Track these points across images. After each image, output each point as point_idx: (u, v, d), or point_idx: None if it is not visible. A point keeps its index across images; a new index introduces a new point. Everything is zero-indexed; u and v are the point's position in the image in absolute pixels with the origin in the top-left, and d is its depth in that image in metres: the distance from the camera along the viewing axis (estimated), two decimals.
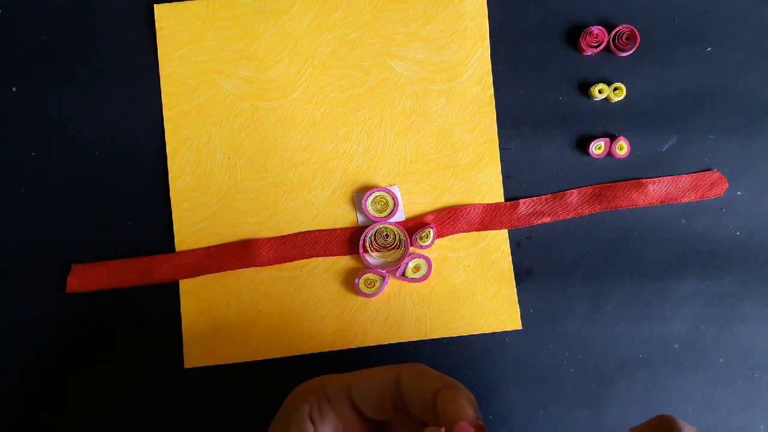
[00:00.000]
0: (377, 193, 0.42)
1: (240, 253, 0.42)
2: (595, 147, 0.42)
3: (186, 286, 0.42)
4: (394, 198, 0.42)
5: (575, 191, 0.42)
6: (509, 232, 0.42)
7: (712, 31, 0.43)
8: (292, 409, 0.28)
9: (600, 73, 0.43)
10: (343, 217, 0.43)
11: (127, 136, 0.43)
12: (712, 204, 0.42)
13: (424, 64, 0.43)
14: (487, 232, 0.42)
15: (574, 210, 0.42)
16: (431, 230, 0.41)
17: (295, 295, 0.42)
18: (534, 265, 0.42)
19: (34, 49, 0.44)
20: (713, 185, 0.42)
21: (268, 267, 0.42)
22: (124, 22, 0.44)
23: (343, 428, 0.28)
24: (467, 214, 0.42)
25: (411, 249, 0.42)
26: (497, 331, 0.42)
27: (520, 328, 0.42)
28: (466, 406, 0.26)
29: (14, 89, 0.44)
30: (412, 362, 0.30)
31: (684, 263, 0.42)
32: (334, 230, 0.43)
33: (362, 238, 0.42)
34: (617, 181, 0.42)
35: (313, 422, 0.28)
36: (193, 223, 0.43)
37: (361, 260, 0.42)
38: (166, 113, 0.43)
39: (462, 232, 0.42)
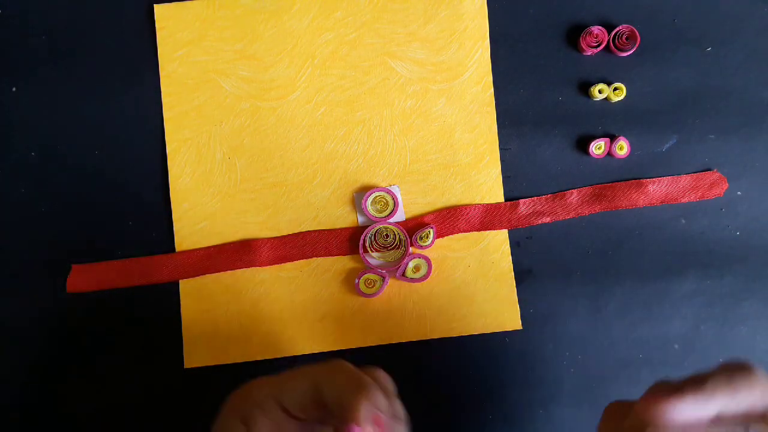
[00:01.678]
0: (377, 193, 0.42)
1: (240, 253, 0.42)
2: (595, 147, 0.42)
3: (186, 286, 0.42)
4: (394, 198, 0.42)
5: (575, 191, 0.42)
6: (509, 232, 0.42)
7: (712, 31, 0.43)
8: (225, 419, 0.30)
9: (600, 73, 0.43)
10: (343, 217, 0.43)
11: (127, 136, 0.43)
12: (712, 204, 0.42)
13: (424, 64, 0.43)
14: (487, 232, 0.42)
15: (574, 210, 0.42)
16: (431, 230, 0.41)
17: (295, 295, 0.42)
18: (534, 265, 0.42)
19: (34, 49, 0.44)
20: (713, 185, 0.42)
21: (268, 267, 0.42)
22: (124, 22, 0.44)
23: (278, 430, 0.29)
24: (467, 214, 0.42)
25: (411, 249, 0.42)
26: (497, 331, 0.42)
27: (520, 328, 0.42)
28: (360, 408, 0.27)
29: (14, 89, 0.44)
30: (333, 360, 0.30)
31: (684, 263, 0.42)
32: (334, 230, 0.43)
33: (362, 238, 0.42)
34: (617, 181, 0.42)
35: (248, 428, 0.29)
36: (193, 223, 0.43)
37: (361, 260, 0.42)
38: (166, 113, 0.43)
39: (462, 232, 0.42)
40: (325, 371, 0.29)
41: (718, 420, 0.25)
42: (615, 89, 0.43)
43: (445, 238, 0.42)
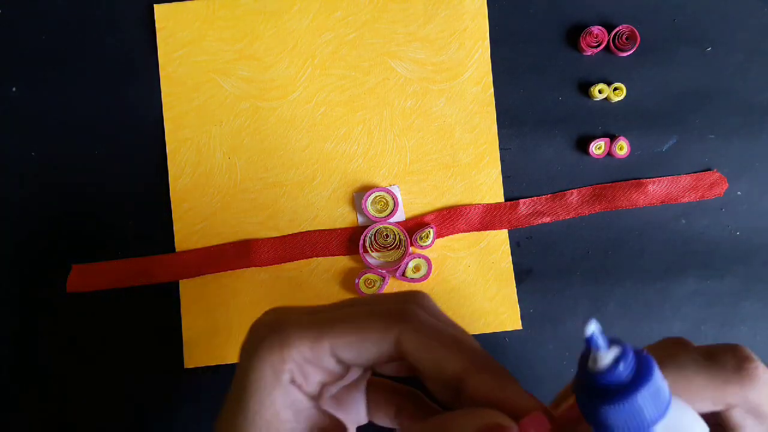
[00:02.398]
0: (377, 193, 0.42)
1: (240, 253, 0.42)
2: (595, 147, 0.42)
3: (186, 286, 0.42)
4: (394, 198, 0.42)
5: (575, 191, 0.42)
6: (509, 232, 0.42)
7: (712, 31, 0.43)
8: (268, 381, 0.23)
9: (600, 73, 0.43)
10: (343, 217, 0.43)
11: (127, 137, 0.43)
12: (712, 204, 0.42)
13: (424, 64, 0.43)
14: (487, 232, 0.42)
15: (574, 210, 0.42)
16: (431, 230, 0.41)
17: (295, 295, 0.42)
18: (534, 265, 0.42)
19: (34, 49, 0.44)
20: (713, 185, 0.42)
21: (268, 267, 0.42)
22: (124, 22, 0.44)
23: (329, 379, 0.24)
24: (467, 214, 0.42)
25: (411, 249, 0.42)
26: (497, 331, 0.42)
27: (520, 328, 0.42)
28: (523, 393, 0.21)
29: (14, 89, 0.44)
30: (408, 298, 0.24)
31: (684, 263, 0.42)
32: (334, 230, 0.43)
33: (362, 238, 0.42)
34: (617, 181, 0.42)
35: (297, 387, 0.23)
36: (193, 223, 0.43)
37: (361, 260, 0.42)
38: (166, 113, 0.43)
39: (462, 232, 0.42)
40: (411, 331, 0.23)
41: None
42: (615, 89, 0.43)
43: (445, 238, 0.42)
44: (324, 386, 0.25)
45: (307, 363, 0.23)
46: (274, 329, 0.23)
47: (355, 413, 0.28)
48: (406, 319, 0.23)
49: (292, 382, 0.23)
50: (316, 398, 0.24)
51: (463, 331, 0.25)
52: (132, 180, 0.43)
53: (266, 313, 0.25)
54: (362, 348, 0.23)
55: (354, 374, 0.26)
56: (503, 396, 0.22)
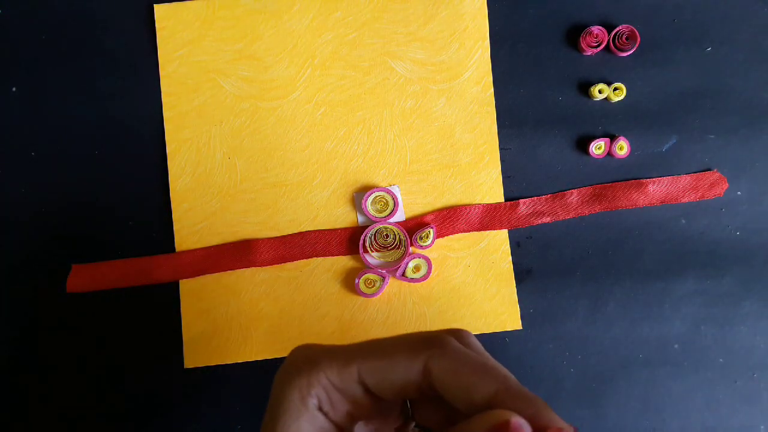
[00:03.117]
0: (377, 193, 0.42)
1: (240, 253, 0.42)
2: (595, 147, 0.42)
3: (186, 286, 0.42)
4: (394, 198, 0.42)
5: (575, 191, 0.42)
6: (509, 232, 0.42)
7: (712, 31, 0.43)
8: (295, 405, 0.23)
9: (600, 73, 0.43)
10: (343, 217, 0.43)
11: (127, 136, 0.43)
12: (712, 204, 0.42)
13: (424, 64, 0.43)
14: (487, 232, 0.42)
15: (574, 210, 0.42)
16: (431, 230, 0.41)
17: (295, 295, 0.42)
18: (534, 265, 0.42)
19: (34, 49, 0.44)
20: (713, 185, 0.42)
21: (268, 267, 0.42)
22: (124, 22, 0.44)
23: (357, 410, 0.24)
24: (467, 214, 0.42)
25: (411, 249, 0.42)
26: (497, 331, 0.42)
27: (520, 328, 0.42)
28: (556, 418, 0.21)
29: (14, 89, 0.44)
30: (437, 333, 0.24)
31: (684, 263, 0.42)
32: (334, 230, 0.43)
33: (362, 238, 0.42)
34: (617, 181, 0.42)
35: (324, 414, 0.24)
36: (193, 223, 0.43)
37: (361, 260, 0.42)
38: (166, 113, 0.43)
39: (462, 232, 0.42)
40: (441, 360, 0.22)
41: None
42: (615, 89, 0.43)
43: (445, 238, 0.42)
44: (353, 418, 0.24)
45: (334, 390, 0.23)
46: (305, 356, 0.24)
47: None
48: (436, 344, 0.23)
49: (320, 409, 0.23)
50: (342, 429, 0.24)
51: (495, 361, 0.24)
52: (132, 180, 0.43)
53: (299, 347, 0.25)
54: (389, 372, 0.23)
55: (389, 412, 0.26)
56: (535, 422, 0.21)
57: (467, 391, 0.22)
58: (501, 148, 0.43)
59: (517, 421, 0.20)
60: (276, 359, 0.42)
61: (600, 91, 0.42)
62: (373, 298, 0.42)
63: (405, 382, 0.23)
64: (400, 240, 0.42)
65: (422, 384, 0.23)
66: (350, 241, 0.42)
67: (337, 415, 0.24)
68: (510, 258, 0.42)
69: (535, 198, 0.42)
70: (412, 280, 0.42)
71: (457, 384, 0.22)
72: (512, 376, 0.23)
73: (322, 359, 0.23)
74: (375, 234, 0.42)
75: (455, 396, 0.22)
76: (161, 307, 0.42)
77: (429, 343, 0.23)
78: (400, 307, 0.42)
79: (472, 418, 0.21)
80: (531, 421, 0.21)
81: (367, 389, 0.23)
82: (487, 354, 0.25)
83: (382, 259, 0.42)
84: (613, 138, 0.42)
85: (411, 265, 0.42)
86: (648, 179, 0.42)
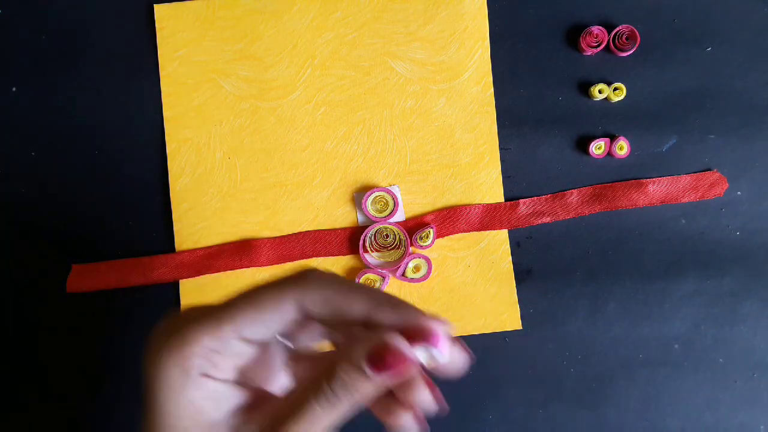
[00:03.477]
0: (377, 193, 0.42)
1: (240, 253, 0.42)
2: (595, 147, 0.42)
3: (186, 286, 0.42)
4: (394, 198, 0.42)
5: (575, 191, 0.42)
6: (509, 232, 0.42)
7: (712, 31, 0.43)
8: (176, 381, 0.23)
9: (600, 73, 0.43)
10: (343, 217, 0.43)
11: (127, 137, 0.43)
12: (712, 204, 0.42)
13: (424, 64, 0.43)
14: (487, 232, 0.42)
15: (574, 210, 0.42)
16: (431, 230, 0.41)
17: None
18: (534, 265, 0.42)
19: (34, 49, 0.44)
20: (713, 185, 0.42)
21: (268, 267, 0.42)
22: (124, 22, 0.44)
23: (242, 361, 0.24)
24: (467, 214, 0.42)
25: (411, 249, 0.42)
26: (497, 331, 0.42)
27: (520, 328, 0.42)
28: (422, 315, 0.23)
29: (14, 89, 0.44)
30: (298, 271, 0.25)
31: (684, 263, 0.42)
32: (334, 230, 0.43)
33: (362, 238, 0.42)
34: (617, 181, 0.42)
35: (210, 377, 0.24)
36: (193, 223, 0.43)
37: (361, 260, 0.42)
38: (166, 113, 0.43)
39: (462, 232, 0.42)
40: (311, 293, 0.23)
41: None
42: (615, 89, 0.43)
43: (445, 238, 0.42)
44: (240, 370, 0.25)
45: (213, 353, 0.23)
46: (170, 333, 0.24)
47: (279, 381, 0.27)
48: (299, 281, 0.24)
49: (204, 375, 0.23)
50: (237, 381, 0.24)
51: (357, 282, 0.25)
52: (132, 180, 0.43)
53: (160, 322, 0.25)
54: (265, 320, 0.23)
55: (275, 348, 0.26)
56: (406, 322, 0.23)
57: (341, 314, 0.23)
58: (501, 148, 0.43)
59: (393, 340, 0.22)
60: None
61: (600, 91, 0.42)
62: None
63: (281, 324, 0.23)
64: (400, 240, 0.42)
65: (299, 319, 0.24)
66: (350, 241, 0.42)
67: (223, 373, 0.24)
68: (510, 258, 0.42)
69: (535, 198, 0.42)
70: (412, 280, 0.42)
71: (330, 310, 0.23)
72: (378, 289, 0.24)
73: (190, 329, 0.23)
74: (375, 234, 0.42)
75: (332, 321, 0.24)
76: (161, 308, 0.42)
77: (293, 282, 0.24)
78: None
79: (352, 347, 0.23)
80: (405, 328, 0.23)
81: (247, 340, 0.24)
82: (346, 278, 0.26)
83: (382, 259, 0.42)
84: (613, 138, 0.42)
85: (411, 265, 0.42)
86: (648, 179, 0.42)
